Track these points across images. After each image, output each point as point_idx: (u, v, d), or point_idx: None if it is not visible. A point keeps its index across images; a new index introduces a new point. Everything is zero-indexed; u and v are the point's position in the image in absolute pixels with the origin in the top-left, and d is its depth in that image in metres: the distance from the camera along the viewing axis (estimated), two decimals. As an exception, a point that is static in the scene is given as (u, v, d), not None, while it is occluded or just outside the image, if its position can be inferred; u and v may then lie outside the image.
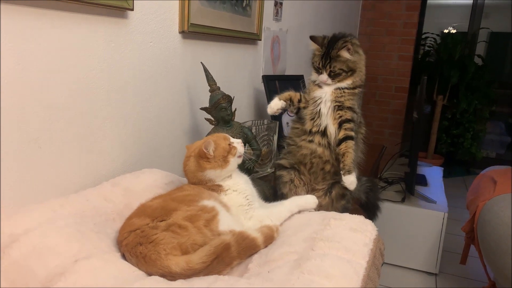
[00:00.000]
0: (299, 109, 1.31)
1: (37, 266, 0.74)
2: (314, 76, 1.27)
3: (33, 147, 0.94)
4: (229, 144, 1.02)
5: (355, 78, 1.23)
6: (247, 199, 1.01)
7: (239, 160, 1.05)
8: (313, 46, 1.27)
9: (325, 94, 1.24)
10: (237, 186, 1.02)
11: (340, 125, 1.23)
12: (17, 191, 0.91)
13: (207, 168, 0.99)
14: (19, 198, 0.92)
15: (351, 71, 1.22)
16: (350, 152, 1.22)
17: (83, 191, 1.00)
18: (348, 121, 1.23)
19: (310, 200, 1.10)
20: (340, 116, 1.23)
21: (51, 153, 0.98)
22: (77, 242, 0.80)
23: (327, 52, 1.21)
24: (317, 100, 1.25)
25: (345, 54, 1.20)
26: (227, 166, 1.00)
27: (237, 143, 1.04)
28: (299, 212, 1.07)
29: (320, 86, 1.26)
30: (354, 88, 1.24)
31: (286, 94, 1.31)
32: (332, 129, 1.24)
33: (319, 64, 1.23)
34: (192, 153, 1.02)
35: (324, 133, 1.25)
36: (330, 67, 1.21)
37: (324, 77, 1.22)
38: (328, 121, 1.24)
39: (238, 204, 1.00)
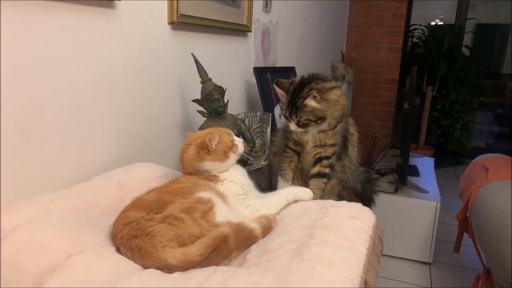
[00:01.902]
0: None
1: (28, 262, 0.71)
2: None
3: (21, 141, 0.91)
4: (232, 141, 1.03)
5: (328, 123, 1.15)
6: (243, 189, 1.00)
7: (238, 157, 1.06)
8: (279, 91, 1.18)
9: (308, 140, 1.21)
10: (233, 177, 1.02)
11: (318, 160, 1.21)
12: (5, 186, 0.88)
13: (206, 159, 0.99)
14: (8, 194, 0.89)
15: (320, 119, 1.13)
16: (316, 193, 1.18)
17: (74, 185, 0.98)
18: (327, 157, 1.20)
19: (307, 191, 1.10)
20: (318, 153, 1.20)
21: (40, 147, 0.95)
22: (70, 237, 0.78)
23: (293, 101, 1.12)
24: (305, 143, 1.23)
25: (311, 103, 1.10)
26: (227, 161, 1.01)
27: (239, 142, 1.05)
28: (295, 201, 1.06)
29: (306, 131, 1.20)
30: (335, 127, 1.18)
31: (289, 173, 1.26)
32: (307, 163, 1.23)
33: (286, 113, 1.15)
34: (193, 142, 1.01)
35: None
36: (296, 117, 1.12)
37: (293, 126, 1.15)
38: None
39: (234, 193, 0.99)
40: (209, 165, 0.99)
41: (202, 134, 1.02)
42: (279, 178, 1.28)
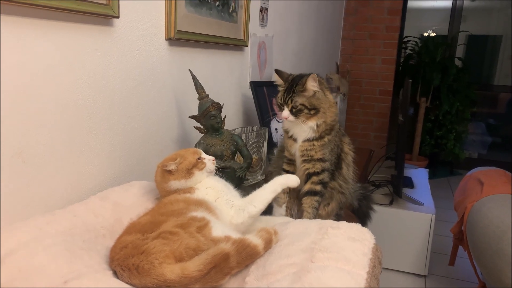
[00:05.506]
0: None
1: (24, 289, 0.70)
2: (283, 122, 1.20)
3: (17, 161, 0.89)
4: (198, 159, 1.04)
5: (318, 120, 1.14)
6: (222, 191, 1.03)
7: (209, 174, 1.08)
8: (278, 80, 1.21)
9: (296, 150, 1.20)
10: (208, 184, 1.04)
11: (308, 177, 1.20)
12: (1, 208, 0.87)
13: (171, 179, 1.02)
14: (2, 215, 0.87)
15: (314, 109, 1.13)
16: (309, 212, 1.19)
17: (70, 206, 0.96)
18: (316, 173, 1.19)
19: (292, 177, 1.09)
20: (307, 169, 1.19)
21: (35, 167, 0.94)
22: (66, 261, 0.76)
23: (291, 87, 1.14)
24: (295, 156, 1.22)
25: (311, 84, 1.12)
26: (191, 177, 1.03)
27: (208, 160, 1.06)
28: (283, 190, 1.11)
29: (294, 140, 1.21)
30: (322, 137, 1.17)
31: (282, 197, 1.25)
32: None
33: (281, 100, 1.16)
34: (160, 164, 1.03)
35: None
36: (291, 102, 1.13)
37: (285, 113, 1.14)
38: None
39: (215, 197, 1.01)
40: (175, 184, 1.02)
41: (168, 157, 1.05)
42: (273, 203, 1.26)
